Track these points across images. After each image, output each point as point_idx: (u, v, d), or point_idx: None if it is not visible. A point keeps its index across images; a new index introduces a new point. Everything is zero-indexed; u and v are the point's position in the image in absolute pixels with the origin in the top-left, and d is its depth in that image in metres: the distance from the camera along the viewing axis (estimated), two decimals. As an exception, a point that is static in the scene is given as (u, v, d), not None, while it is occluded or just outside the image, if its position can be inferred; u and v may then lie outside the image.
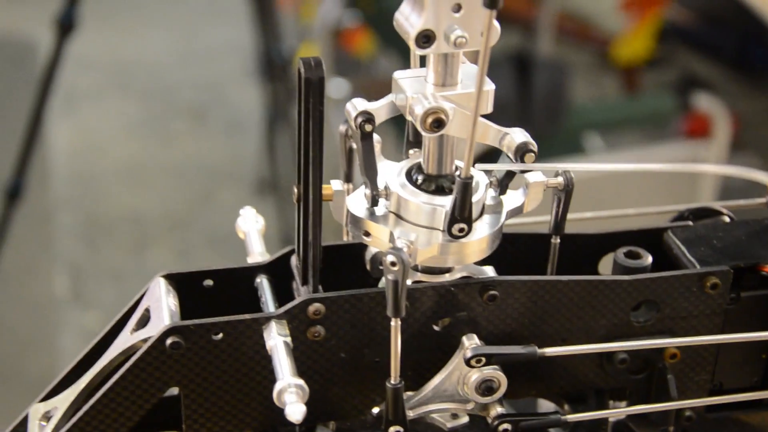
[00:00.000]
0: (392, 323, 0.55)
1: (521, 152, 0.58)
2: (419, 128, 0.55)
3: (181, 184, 3.01)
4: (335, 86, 2.76)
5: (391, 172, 0.60)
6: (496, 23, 0.54)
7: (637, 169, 0.62)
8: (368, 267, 0.63)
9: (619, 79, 3.16)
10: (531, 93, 2.31)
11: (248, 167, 2.99)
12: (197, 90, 3.41)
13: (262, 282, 0.63)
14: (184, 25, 3.75)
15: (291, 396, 0.53)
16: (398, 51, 2.63)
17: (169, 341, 0.56)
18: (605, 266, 0.67)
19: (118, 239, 2.82)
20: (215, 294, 0.63)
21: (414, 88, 0.57)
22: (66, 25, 2.09)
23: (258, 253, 0.65)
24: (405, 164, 0.61)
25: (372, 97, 0.60)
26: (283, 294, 0.62)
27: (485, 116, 0.58)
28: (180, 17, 3.80)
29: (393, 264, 0.53)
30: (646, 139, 2.63)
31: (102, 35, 3.57)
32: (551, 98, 2.35)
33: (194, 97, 3.38)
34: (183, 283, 0.62)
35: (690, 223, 0.68)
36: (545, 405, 0.67)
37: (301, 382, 0.54)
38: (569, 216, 0.64)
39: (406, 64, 0.59)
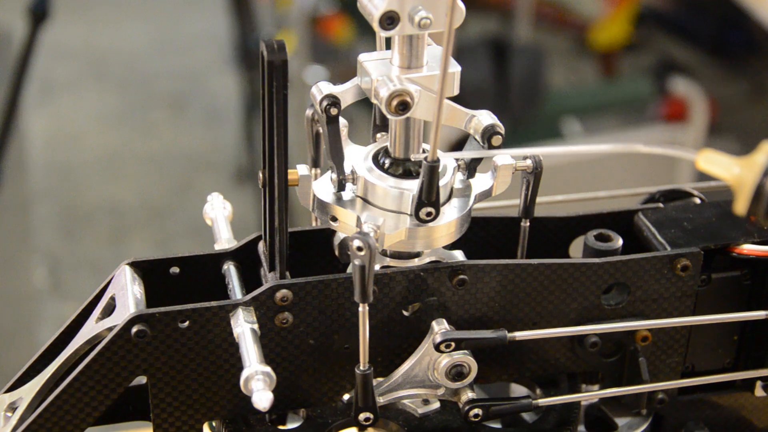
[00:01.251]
0: (360, 309, 0.55)
1: (488, 135, 0.58)
2: (384, 111, 0.54)
3: (160, 174, 2.99)
4: (313, 73, 2.74)
5: (358, 156, 0.59)
6: (460, 3, 0.54)
7: (579, 151, 0.62)
8: (336, 252, 0.62)
9: (597, 63, 3.16)
10: (508, 78, 2.31)
11: (227, 156, 2.98)
12: (175, 79, 3.39)
13: (230, 269, 0.62)
14: (161, 14, 3.73)
15: (258, 383, 0.53)
16: (375, 38, 2.62)
17: (134, 329, 0.55)
18: (576, 249, 0.67)
19: (96, 230, 2.80)
20: (182, 281, 0.62)
21: (379, 71, 0.56)
22: (39, 14, 2.07)
23: (225, 240, 0.64)
24: (372, 148, 0.60)
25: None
26: (251, 281, 0.61)
27: (452, 98, 0.58)
28: (157, 6, 3.78)
29: (359, 249, 0.53)
30: (624, 123, 2.64)
31: (79, 24, 3.54)
32: (528, 83, 2.35)
33: (172, 87, 3.36)
34: (149, 271, 0.61)
35: (660, 205, 0.68)
36: (517, 389, 0.67)
37: (268, 369, 0.53)
38: (540, 199, 0.64)
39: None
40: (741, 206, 0.47)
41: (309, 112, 0.61)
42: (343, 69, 2.84)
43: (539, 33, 3.16)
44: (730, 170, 0.47)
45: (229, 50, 2.88)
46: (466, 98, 2.31)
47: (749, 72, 3.19)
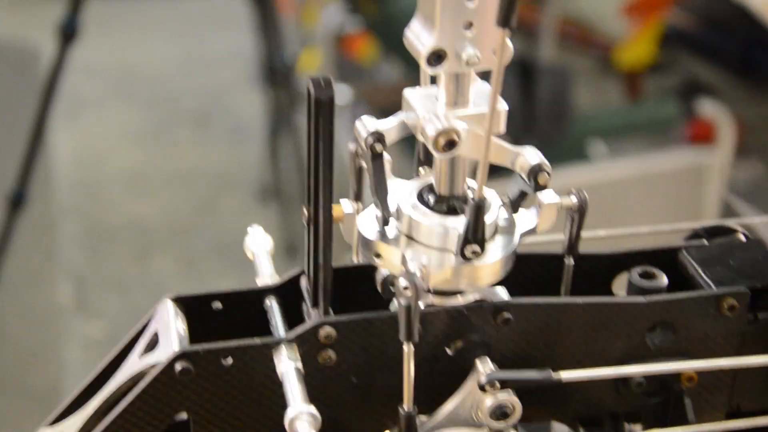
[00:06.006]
0: (405, 348, 0.54)
1: (534, 173, 0.57)
2: (431, 149, 0.54)
3: (185, 192, 3.01)
4: (338, 92, 2.75)
5: (401, 192, 0.59)
6: (508, 42, 0.54)
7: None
8: (379, 289, 0.61)
9: (622, 84, 3.15)
10: (535, 99, 2.31)
11: (251, 174, 2.99)
12: (200, 97, 3.41)
13: (272, 304, 0.62)
14: (187, 33, 3.75)
15: (303, 424, 0.52)
16: (400, 57, 2.63)
17: (178, 367, 0.55)
18: (619, 286, 0.66)
19: (121, 247, 2.81)
20: (224, 316, 0.62)
21: (425, 107, 0.56)
22: (69, 33, 2.09)
23: (267, 275, 0.63)
24: (416, 184, 0.59)
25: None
26: (293, 316, 0.61)
27: (498, 136, 0.57)
28: (183, 24, 3.80)
29: (406, 288, 0.52)
30: (650, 145, 2.63)
31: (105, 43, 3.57)
32: (555, 104, 2.35)
33: (197, 104, 3.37)
34: (191, 306, 0.61)
35: (704, 241, 0.67)
36: (560, 429, 0.66)
37: (313, 409, 0.53)
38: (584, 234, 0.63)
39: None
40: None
41: (352, 146, 0.60)
42: (368, 88, 2.85)
43: (564, 53, 3.15)
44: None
45: (254, 68, 2.89)
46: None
47: (776, 93, 3.17)
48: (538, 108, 2.29)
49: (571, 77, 2.45)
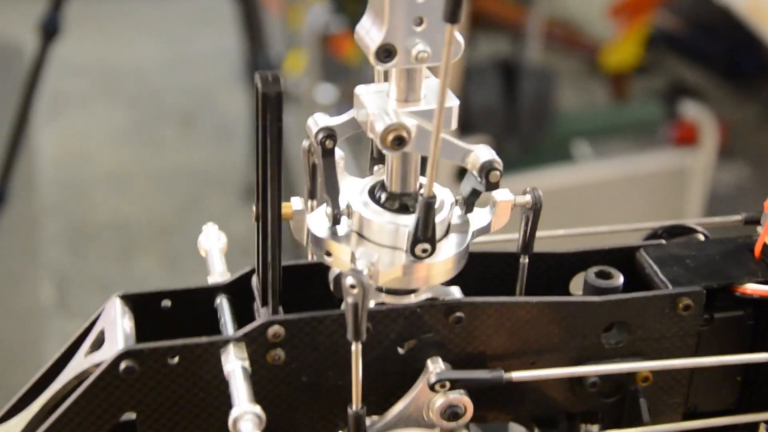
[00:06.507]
0: (353, 347, 0.54)
1: (486, 170, 0.56)
2: (379, 146, 0.53)
3: (169, 191, 2.99)
4: (323, 92, 2.74)
5: (354, 190, 0.58)
6: (459, 37, 0.53)
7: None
8: (332, 287, 0.61)
9: (608, 85, 3.15)
10: (518, 100, 2.30)
11: (236, 173, 2.98)
12: (185, 96, 3.39)
13: (222, 303, 0.61)
14: (172, 31, 3.74)
15: (247, 424, 0.51)
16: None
17: (122, 365, 0.54)
18: (577, 285, 0.66)
19: (104, 246, 2.79)
20: (174, 315, 0.61)
21: (376, 104, 0.55)
22: (50, 30, 2.08)
23: (219, 273, 0.63)
24: (368, 181, 0.59)
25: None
26: (244, 315, 0.60)
27: (457, 128, 0.57)
28: (168, 23, 3.79)
29: (353, 287, 0.52)
30: (634, 146, 2.62)
31: (90, 41, 3.55)
32: (538, 105, 2.34)
33: (182, 103, 3.36)
34: (140, 304, 0.60)
35: (663, 241, 0.66)
36: (517, 429, 0.66)
37: (258, 409, 0.52)
38: (541, 233, 0.63)
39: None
40: None
41: (305, 143, 0.60)
42: (354, 87, 2.84)
43: (550, 54, 3.15)
44: None
45: (239, 68, 2.88)
46: (476, 120, 2.30)
47: (761, 95, 3.17)
48: (521, 109, 2.29)
49: (554, 79, 2.45)
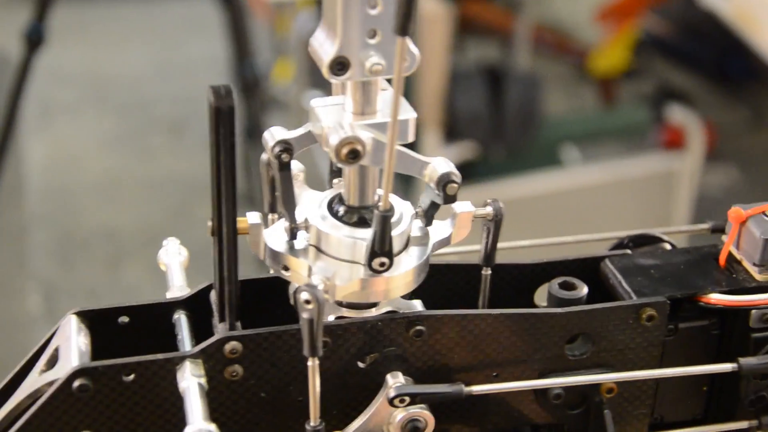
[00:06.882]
0: (309, 363, 0.53)
1: (443, 183, 0.56)
2: (334, 159, 0.53)
3: (158, 199, 2.98)
4: (311, 98, 2.73)
5: (312, 203, 0.58)
6: (414, 48, 0.52)
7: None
8: (291, 301, 0.60)
9: (596, 90, 3.15)
10: (504, 106, 2.30)
11: (224, 182, 2.97)
12: (174, 104, 3.39)
13: (180, 318, 0.60)
14: (160, 39, 3.73)
15: (201, 442, 0.51)
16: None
17: (76, 383, 0.53)
18: (541, 297, 0.65)
19: (93, 255, 2.78)
20: (132, 331, 0.60)
21: (331, 117, 0.54)
22: (34, 39, 2.08)
23: (177, 288, 0.62)
24: (327, 195, 0.58)
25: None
26: (203, 331, 0.59)
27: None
28: (157, 31, 3.78)
29: (307, 302, 0.51)
30: (623, 151, 2.62)
31: (78, 49, 3.55)
32: (525, 111, 2.34)
33: (171, 111, 3.35)
34: (97, 321, 0.59)
35: (628, 251, 0.66)
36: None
37: (212, 427, 0.51)
38: (505, 244, 0.62)
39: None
40: None
41: (264, 156, 0.59)
42: (341, 95, 2.83)
43: (538, 59, 3.15)
44: None
45: (227, 76, 2.88)
46: (462, 126, 2.29)
47: (749, 99, 3.17)
48: (507, 114, 2.29)
49: (542, 84, 2.44)
